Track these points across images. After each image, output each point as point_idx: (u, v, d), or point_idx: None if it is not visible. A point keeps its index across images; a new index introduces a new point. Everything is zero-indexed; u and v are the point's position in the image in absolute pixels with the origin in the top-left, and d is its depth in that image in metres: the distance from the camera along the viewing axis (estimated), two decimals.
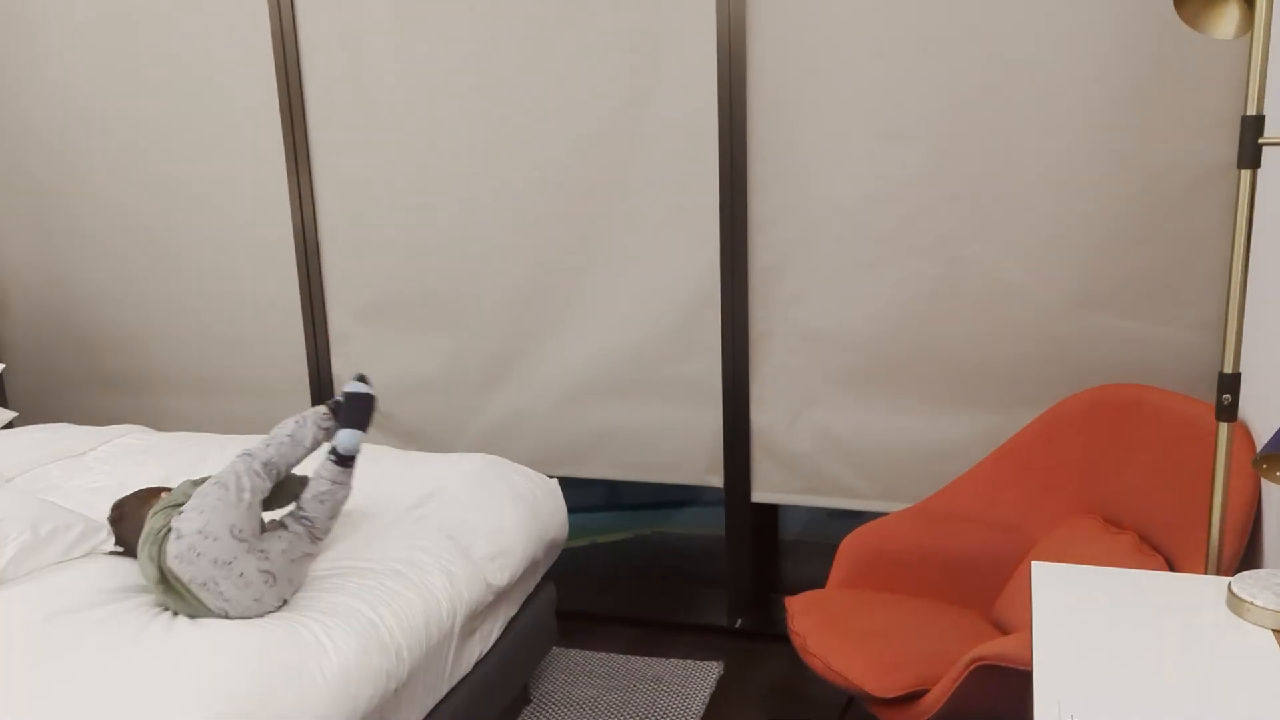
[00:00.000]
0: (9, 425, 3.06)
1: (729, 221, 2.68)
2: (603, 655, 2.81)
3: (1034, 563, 1.46)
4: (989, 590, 2.28)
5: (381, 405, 3.10)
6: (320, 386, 3.15)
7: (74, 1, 3.09)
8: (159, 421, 3.34)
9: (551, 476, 2.95)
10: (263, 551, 1.81)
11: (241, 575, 1.77)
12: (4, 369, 3.45)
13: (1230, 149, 2.28)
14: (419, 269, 2.96)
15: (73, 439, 2.77)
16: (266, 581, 1.79)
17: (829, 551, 3.28)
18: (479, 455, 2.63)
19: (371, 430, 3.13)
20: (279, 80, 2.94)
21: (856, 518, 3.30)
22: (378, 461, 2.60)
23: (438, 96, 2.83)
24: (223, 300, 3.14)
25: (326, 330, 3.10)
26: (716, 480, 2.87)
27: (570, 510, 3.44)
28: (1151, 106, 2.30)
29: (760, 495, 2.84)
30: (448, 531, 2.19)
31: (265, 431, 3.21)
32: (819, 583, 3.14)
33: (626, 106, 2.69)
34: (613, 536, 3.47)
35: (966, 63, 2.41)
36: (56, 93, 3.18)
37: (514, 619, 2.35)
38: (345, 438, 2.00)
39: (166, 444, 2.77)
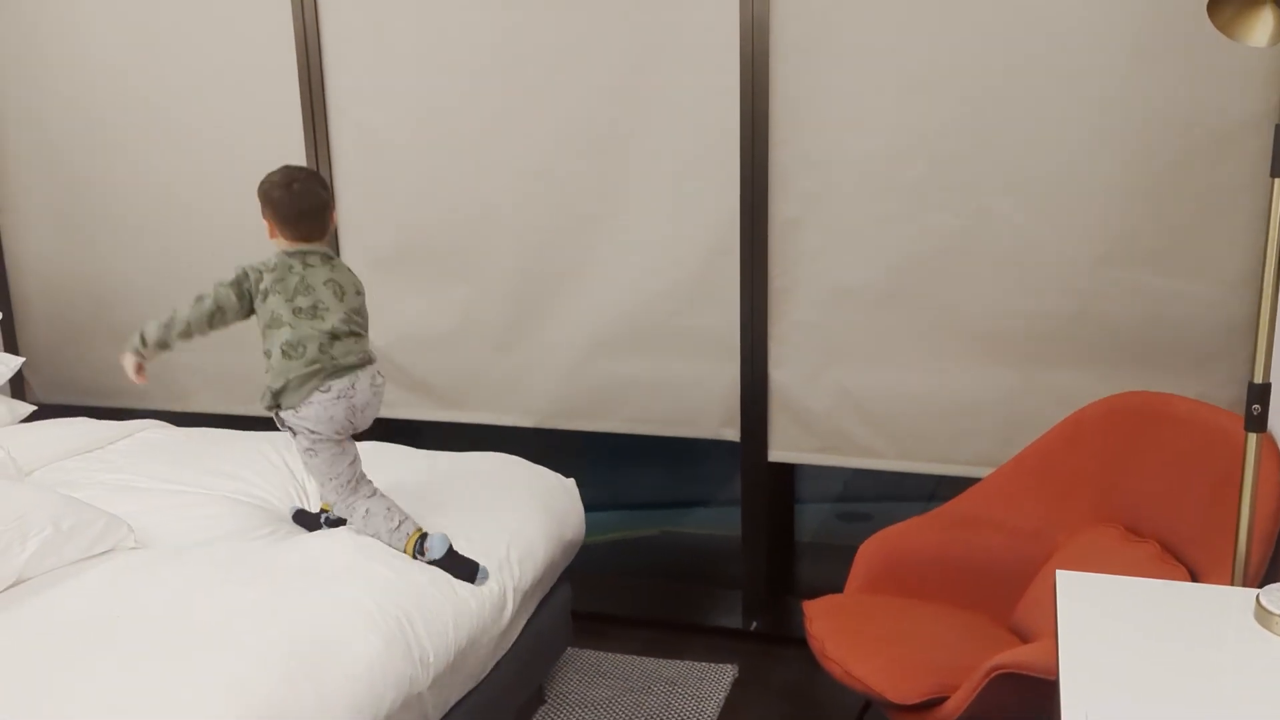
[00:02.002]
0: (29, 418, 3.07)
1: (750, 173, 2.65)
2: (617, 656, 2.80)
3: (1058, 572, 1.46)
4: (1008, 596, 2.27)
5: (395, 358, 3.08)
6: None
7: None
8: (180, 397, 3.34)
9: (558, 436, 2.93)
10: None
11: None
12: (24, 362, 3.46)
13: (1260, 102, 2.25)
14: (435, 220, 2.95)
15: (92, 433, 2.78)
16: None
17: (841, 554, 3.26)
18: (496, 455, 2.64)
19: (389, 387, 3.10)
20: (296, 29, 2.92)
21: (866, 520, 3.28)
22: (395, 462, 2.60)
23: (455, 45, 2.81)
24: (238, 250, 3.10)
25: None
26: (732, 434, 2.84)
27: None
28: (1181, 59, 2.28)
29: (777, 454, 2.82)
30: (469, 533, 2.19)
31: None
32: (832, 586, 3.13)
33: (646, 54, 2.66)
34: (621, 535, 3.46)
35: (993, 15, 2.39)
36: (81, 73, 3.18)
37: (531, 619, 2.35)
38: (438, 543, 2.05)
39: (185, 439, 2.78)
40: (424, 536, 2.05)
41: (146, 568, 1.94)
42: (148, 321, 2.06)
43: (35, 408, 3.08)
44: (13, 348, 3.48)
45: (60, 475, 2.52)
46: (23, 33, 3.23)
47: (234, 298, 2.03)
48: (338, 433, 2.05)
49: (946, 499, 3.14)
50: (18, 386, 3.50)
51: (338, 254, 3.06)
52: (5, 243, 3.42)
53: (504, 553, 2.20)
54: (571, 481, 2.63)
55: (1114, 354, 2.48)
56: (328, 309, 2.03)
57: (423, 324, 3.04)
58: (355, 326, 2.07)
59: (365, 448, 2.70)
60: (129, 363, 2.07)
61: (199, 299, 2.04)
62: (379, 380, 2.10)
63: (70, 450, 2.68)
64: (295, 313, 2.01)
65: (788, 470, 3.09)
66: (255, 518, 2.26)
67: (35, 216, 3.36)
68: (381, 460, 2.61)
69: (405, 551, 2.04)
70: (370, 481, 2.13)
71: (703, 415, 2.86)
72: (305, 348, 2.00)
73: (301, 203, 2.03)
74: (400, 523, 2.06)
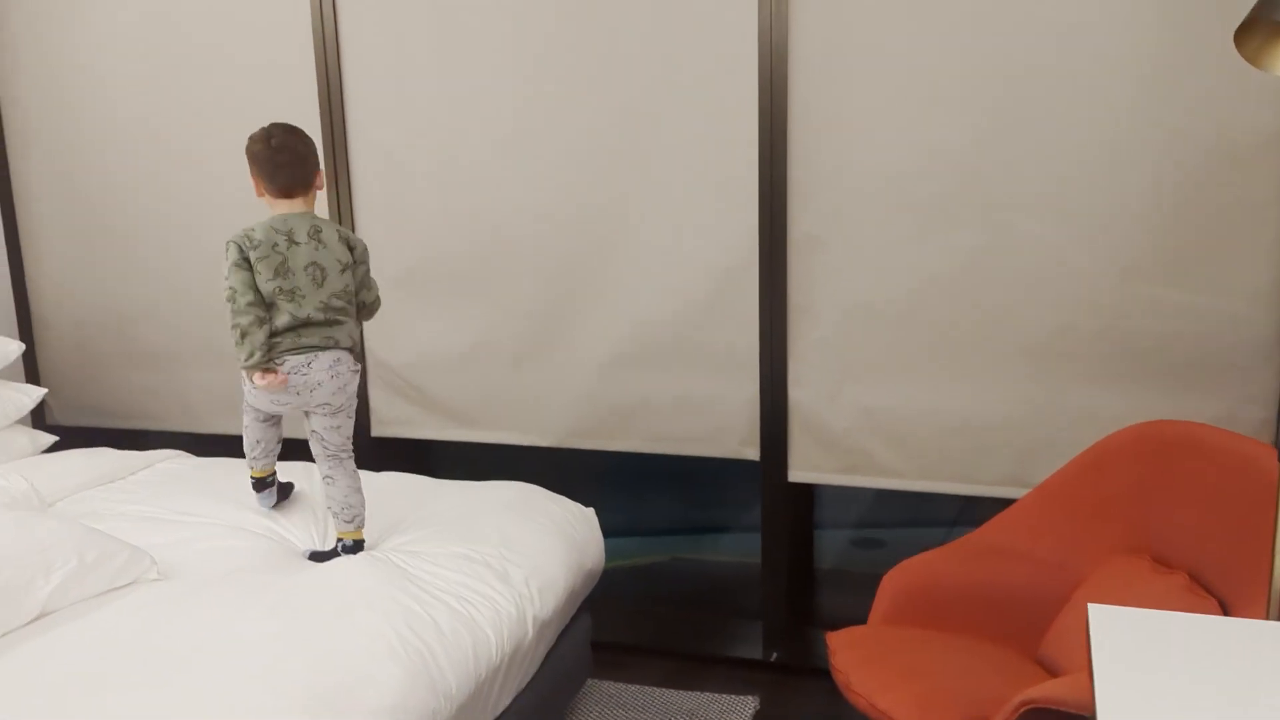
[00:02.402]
0: (51, 448, 3.08)
1: (768, 190, 2.65)
2: (637, 688, 2.78)
3: (1090, 605, 1.44)
4: (1033, 628, 2.24)
5: (413, 378, 3.08)
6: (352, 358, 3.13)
7: (123, 9, 3.13)
8: (196, 418, 3.35)
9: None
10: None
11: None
12: (46, 394, 3.48)
13: None
14: (453, 241, 2.96)
15: (113, 463, 2.79)
16: None
17: (857, 581, 3.24)
18: (515, 484, 2.63)
19: (406, 408, 3.11)
20: (316, 54, 2.95)
21: (880, 547, 3.26)
22: (415, 491, 2.60)
23: (473, 68, 2.83)
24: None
25: None
26: (752, 454, 2.82)
27: None
28: (1204, 74, 2.28)
29: (797, 474, 2.80)
30: (490, 564, 2.18)
31: (295, 414, 3.19)
32: (850, 614, 3.11)
33: (665, 72, 2.67)
34: (632, 561, 3.44)
35: (1014, 29, 2.39)
36: (102, 102, 3.22)
37: (551, 650, 2.34)
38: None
39: (204, 469, 2.79)
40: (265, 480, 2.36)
41: (170, 600, 1.94)
42: (239, 344, 2.09)
43: (57, 438, 3.08)
44: (33, 371, 3.50)
45: (82, 506, 2.52)
46: (44, 64, 3.27)
47: (250, 275, 2.10)
48: (272, 404, 2.19)
49: (964, 524, 3.14)
50: (37, 411, 3.51)
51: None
52: (27, 268, 3.45)
53: (524, 582, 2.19)
54: (591, 511, 2.63)
55: (1138, 370, 2.47)
56: (304, 296, 2.11)
57: (441, 344, 3.04)
58: (332, 314, 2.14)
59: (385, 479, 2.70)
60: (264, 379, 2.11)
61: (233, 297, 2.09)
62: (340, 367, 2.16)
63: (91, 481, 2.68)
64: (276, 292, 2.10)
65: (807, 494, 3.08)
66: (275, 551, 2.26)
67: (56, 243, 3.39)
68: (402, 490, 2.60)
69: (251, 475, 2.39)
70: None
71: (722, 434, 2.85)
72: (275, 326, 2.10)
73: (278, 156, 2.12)
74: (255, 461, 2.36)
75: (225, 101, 3.10)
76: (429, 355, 3.06)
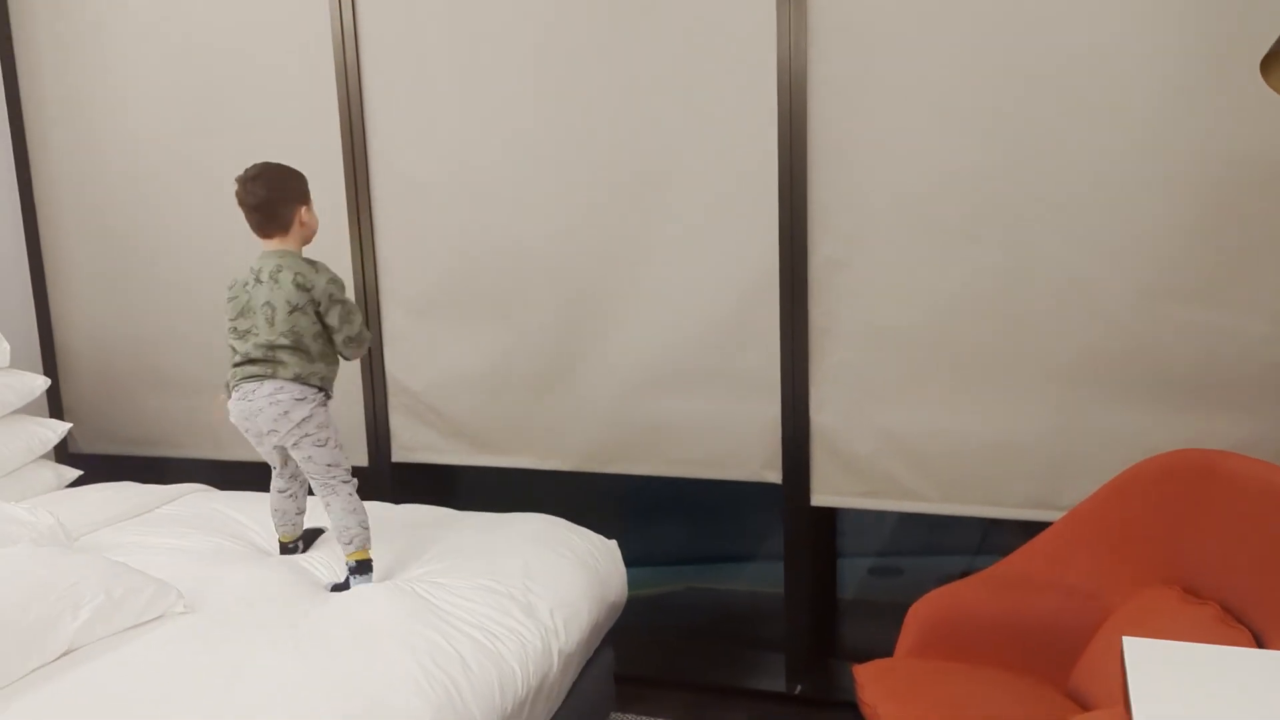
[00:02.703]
0: (75, 482, 3.10)
1: (788, 212, 2.65)
2: None
3: (1125, 639, 1.43)
4: (1062, 660, 2.22)
5: (434, 403, 3.10)
6: (374, 385, 3.14)
7: (146, 40, 3.18)
8: (218, 446, 3.37)
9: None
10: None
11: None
12: (67, 415, 3.50)
13: None
14: (474, 266, 2.97)
15: (138, 497, 2.80)
16: None
17: (877, 611, 3.21)
18: (539, 516, 2.63)
19: (426, 433, 3.12)
20: (338, 80, 2.98)
21: (898, 575, 3.23)
22: (437, 524, 2.60)
23: (493, 91, 2.86)
24: None
25: (380, 328, 3.11)
26: (774, 477, 2.81)
27: None
28: (1229, 93, 2.27)
29: (820, 498, 2.78)
30: (515, 596, 2.18)
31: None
32: (871, 644, 3.08)
33: (683, 95, 2.69)
34: (645, 591, 3.41)
35: (1034, 50, 2.40)
36: (126, 132, 3.26)
37: (575, 683, 2.32)
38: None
39: (228, 503, 2.79)
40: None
41: (196, 634, 1.94)
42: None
43: (81, 472, 3.10)
44: (56, 398, 3.52)
45: (108, 541, 2.53)
46: (68, 96, 3.32)
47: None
48: (247, 436, 2.32)
49: (984, 552, 3.11)
50: (61, 447, 3.53)
51: (377, 302, 3.09)
52: (50, 296, 3.48)
53: (549, 615, 2.18)
54: (613, 543, 2.62)
55: (1165, 392, 2.45)
56: (256, 334, 2.24)
57: (461, 368, 3.05)
58: (274, 352, 2.23)
59: (407, 510, 2.70)
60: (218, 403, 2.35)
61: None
62: (281, 395, 2.23)
63: (117, 516, 2.70)
64: (232, 331, 2.28)
65: (828, 521, 3.06)
66: (299, 583, 2.26)
67: (80, 270, 3.42)
68: (424, 521, 2.60)
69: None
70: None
71: (743, 457, 2.84)
72: (232, 361, 2.28)
73: (247, 199, 2.23)
74: None
75: (248, 130, 3.14)
76: (449, 380, 3.07)
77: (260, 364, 2.23)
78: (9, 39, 3.36)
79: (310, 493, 2.54)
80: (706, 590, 3.40)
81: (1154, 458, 2.23)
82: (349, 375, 3.16)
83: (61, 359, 3.52)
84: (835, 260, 2.64)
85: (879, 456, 2.70)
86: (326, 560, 2.41)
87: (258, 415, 2.25)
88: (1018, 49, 2.42)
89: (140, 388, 3.43)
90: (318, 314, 2.25)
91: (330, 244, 3.09)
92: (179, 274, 3.29)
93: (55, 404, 3.55)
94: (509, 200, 2.91)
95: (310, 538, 2.53)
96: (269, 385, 2.23)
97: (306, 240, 2.32)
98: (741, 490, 2.94)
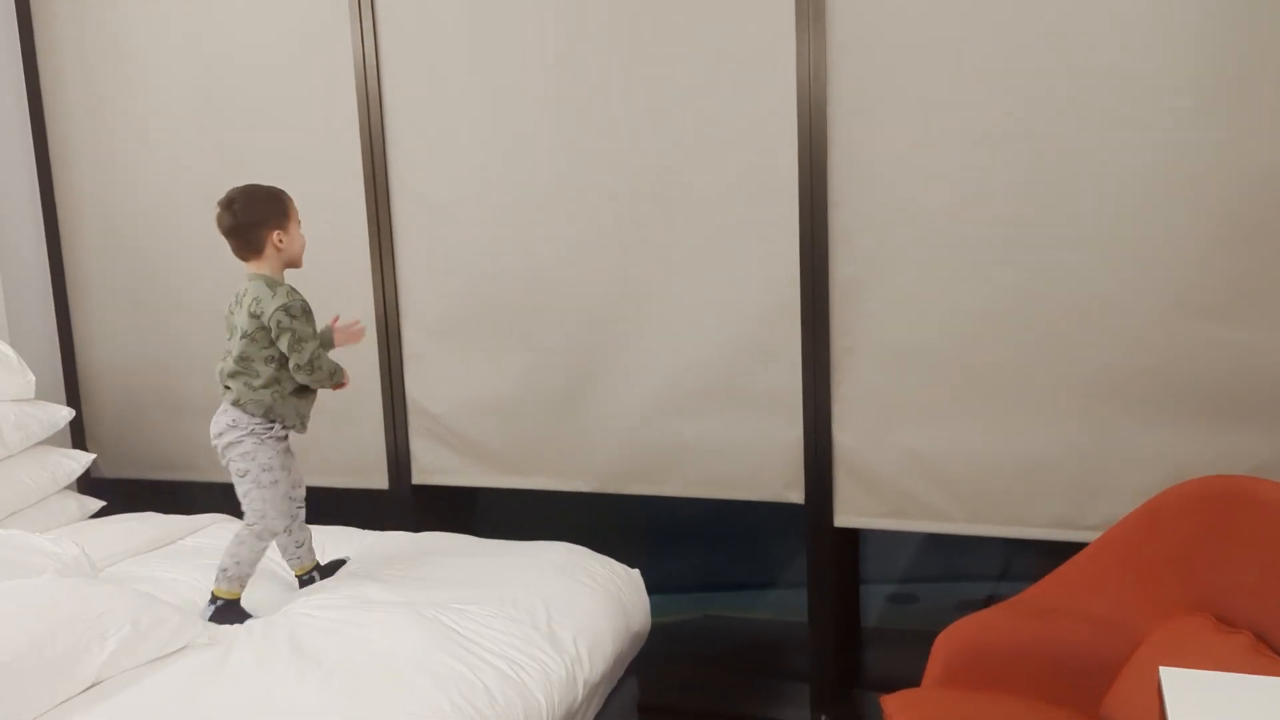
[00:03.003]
0: (99, 513, 3.11)
1: (809, 232, 2.65)
2: None
3: (1162, 669, 1.41)
4: (1093, 690, 2.19)
5: (454, 425, 3.10)
6: (394, 408, 3.13)
7: (170, 64, 3.21)
8: None
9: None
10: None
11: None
12: (89, 440, 3.51)
13: None
14: (494, 288, 2.97)
15: (160, 528, 2.82)
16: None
17: (895, 639, 3.18)
18: (561, 545, 2.63)
19: (447, 455, 3.12)
20: (359, 105, 3.00)
21: (913, 602, 3.19)
22: (459, 551, 2.60)
23: (513, 115, 2.87)
24: None
25: (401, 350, 3.11)
26: (796, 496, 2.78)
27: None
28: (1250, 105, 2.26)
29: (843, 519, 2.76)
30: (538, 626, 2.17)
31: (337, 462, 3.23)
32: (892, 673, 3.05)
33: (703, 114, 2.70)
34: (662, 619, 3.38)
35: (1054, 67, 2.40)
36: (150, 158, 3.28)
37: (599, 714, 2.31)
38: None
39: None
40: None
41: (221, 666, 1.94)
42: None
43: (105, 503, 3.11)
44: (79, 425, 3.53)
45: (131, 571, 2.54)
46: (92, 120, 3.34)
47: None
48: None
49: (1007, 578, 3.07)
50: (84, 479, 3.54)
51: (398, 323, 3.09)
52: (74, 320, 3.49)
53: (572, 644, 2.17)
54: (636, 572, 2.61)
55: (1191, 409, 2.42)
56: (229, 351, 2.31)
57: (481, 390, 3.04)
58: (231, 371, 2.30)
59: (429, 538, 2.70)
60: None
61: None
62: (223, 416, 2.33)
63: (140, 546, 2.71)
64: (227, 354, 2.33)
65: (852, 546, 3.02)
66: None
67: (104, 295, 3.43)
68: (446, 549, 2.60)
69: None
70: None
71: (765, 477, 2.82)
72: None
73: (219, 225, 2.29)
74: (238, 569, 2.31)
75: (270, 154, 3.14)
76: (469, 402, 3.07)
77: (225, 380, 2.32)
78: (34, 63, 3.39)
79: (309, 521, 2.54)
80: (723, 618, 3.37)
81: (1183, 484, 2.21)
82: (369, 398, 3.16)
83: (84, 382, 3.53)
84: (857, 279, 2.64)
85: (903, 476, 2.69)
86: (345, 589, 2.41)
87: (213, 433, 2.35)
88: (1037, 66, 2.42)
89: (163, 412, 3.43)
90: (273, 340, 2.27)
91: (351, 266, 3.10)
92: (202, 298, 3.30)
93: (77, 426, 3.55)
94: (529, 221, 2.91)
95: (331, 569, 2.52)
96: (221, 405, 2.34)
97: (289, 263, 2.33)
98: (756, 517, 2.92)
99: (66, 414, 3.06)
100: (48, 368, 3.45)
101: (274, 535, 2.34)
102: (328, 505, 2.92)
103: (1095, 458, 2.52)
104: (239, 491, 2.33)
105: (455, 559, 2.54)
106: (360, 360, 3.12)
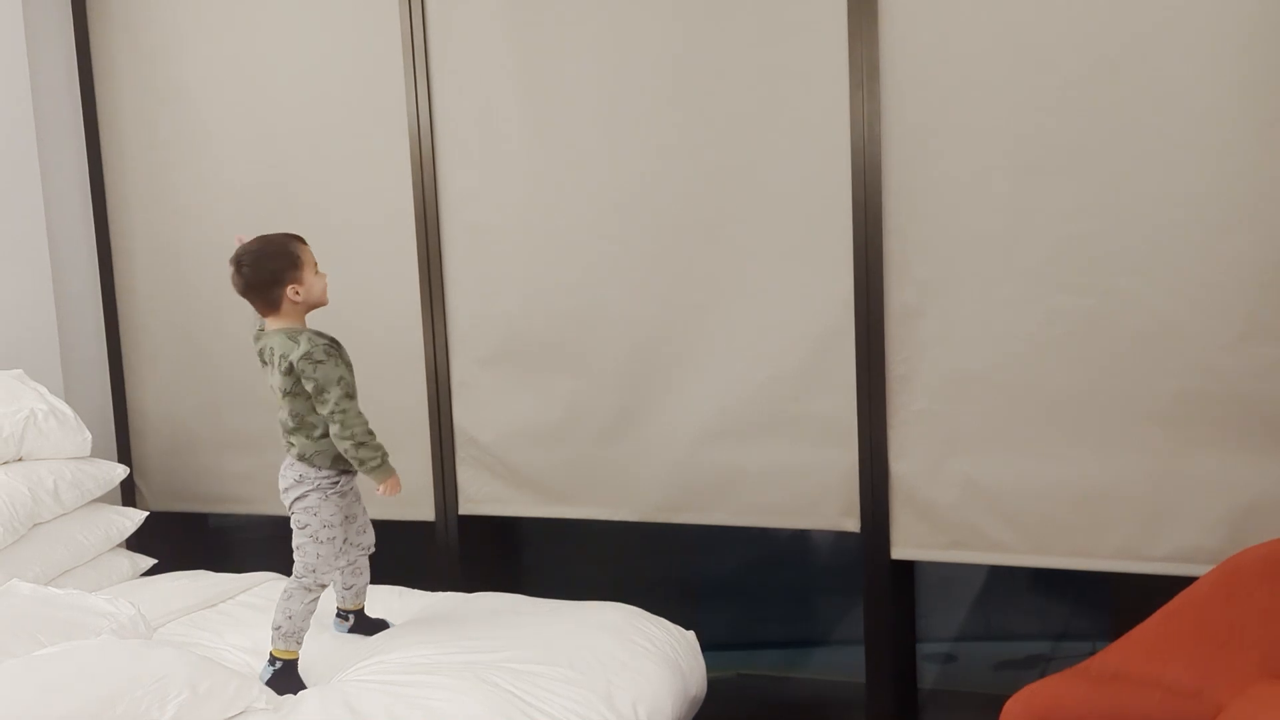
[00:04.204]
0: (150, 571, 3.11)
1: (863, 260, 2.62)
2: None
3: None
4: None
5: (502, 455, 3.08)
6: (441, 437, 3.11)
7: (222, 101, 3.26)
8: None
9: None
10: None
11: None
12: (137, 478, 3.51)
13: None
14: (543, 314, 2.96)
15: (213, 586, 2.82)
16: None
17: (949, 702, 3.09)
18: (616, 606, 2.59)
19: (495, 485, 3.09)
20: (410, 133, 3.02)
21: (952, 661, 3.10)
22: (512, 612, 2.57)
23: (562, 141, 2.88)
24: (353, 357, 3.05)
25: (449, 378, 3.09)
26: (852, 525, 2.72)
27: None
28: None
29: (901, 551, 2.70)
30: (596, 689, 2.14)
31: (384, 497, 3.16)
32: None
33: (755, 141, 2.69)
34: None
35: (1111, 92, 2.38)
36: (203, 189, 3.32)
37: None
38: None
39: None
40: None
41: None
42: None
43: (156, 560, 3.12)
44: (125, 452, 3.54)
45: (184, 631, 2.54)
46: (148, 158, 3.38)
47: None
48: None
49: (1043, 637, 2.98)
50: (127, 491, 3.52)
51: (446, 352, 3.08)
52: (126, 367, 3.51)
53: (631, 708, 2.13)
54: (692, 634, 2.57)
55: (1261, 436, 2.36)
56: (281, 408, 2.32)
57: (529, 419, 3.02)
58: (286, 435, 2.32)
59: (483, 599, 2.68)
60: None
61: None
62: (289, 471, 2.34)
63: (192, 605, 2.70)
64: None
65: (908, 602, 2.93)
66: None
67: (157, 338, 3.45)
68: (501, 610, 2.58)
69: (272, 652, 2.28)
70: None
71: (820, 505, 2.76)
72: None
73: (233, 286, 2.28)
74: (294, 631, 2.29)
75: (320, 184, 3.15)
76: (517, 431, 3.04)
77: (287, 443, 2.33)
78: (93, 108, 3.45)
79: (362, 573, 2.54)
80: (759, 677, 3.28)
81: (1257, 546, 2.16)
82: (417, 428, 3.13)
83: (133, 422, 3.53)
84: (913, 308, 2.60)
85: (962, 507, 2.62)
86: (400, 651, 2.38)
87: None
88: (1094, 90, 2.40)
89: (212, 447, 3.41)
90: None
91: (400, 295, 3.11)
92: (248, 329, 3.31)
93: (124, 457, 3.55)
94: (578, 248, 2.90)
95: (371, 624, 2.52)
96: (286, 461, 2.35)
97: (312, 307, 2.31)
98: (786, 573, 2.83)
99: (120, 471, 3.08)
100: (100, 419, 3.47)
101: (322, 588, 2.33)
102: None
103: (1162, 486, 2.46)
104: (295, 542, 2.32)
105: (509, 619, 2.51)
106: (408, 390, 3.12)
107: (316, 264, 2.32)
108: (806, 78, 2.65)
